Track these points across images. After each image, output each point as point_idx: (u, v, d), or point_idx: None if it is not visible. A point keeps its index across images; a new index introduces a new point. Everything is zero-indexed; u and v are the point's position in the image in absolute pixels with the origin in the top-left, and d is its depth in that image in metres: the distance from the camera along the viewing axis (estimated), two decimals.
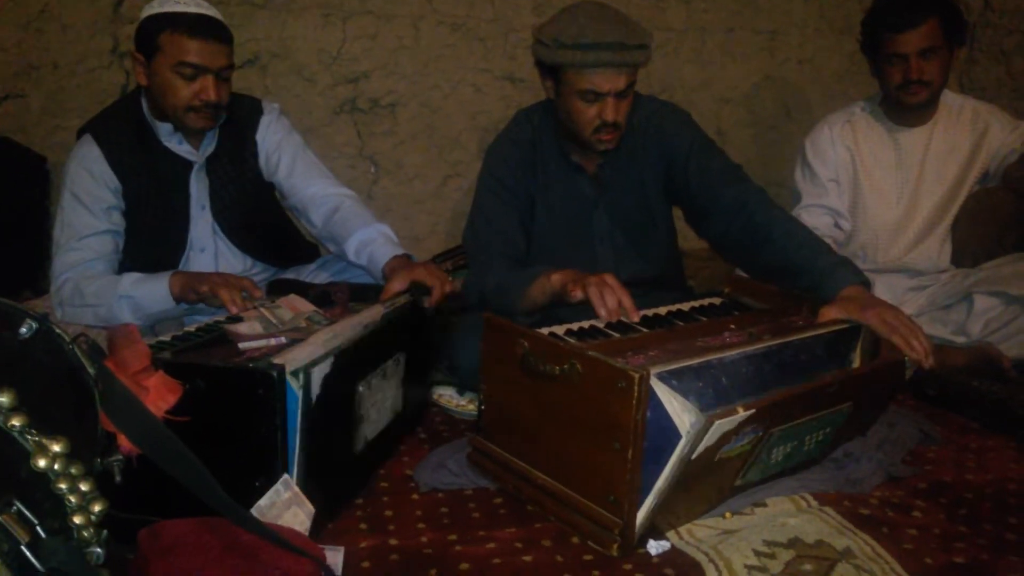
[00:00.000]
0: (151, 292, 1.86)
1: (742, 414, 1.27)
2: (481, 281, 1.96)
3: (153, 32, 1.87)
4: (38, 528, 0.86)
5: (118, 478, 1.10)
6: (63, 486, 0.90)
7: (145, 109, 2.00)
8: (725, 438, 1.28)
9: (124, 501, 1.24)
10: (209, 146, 2.05)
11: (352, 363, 1.48)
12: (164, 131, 1.99)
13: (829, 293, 1.71)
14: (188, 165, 2.03)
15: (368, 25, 2.81)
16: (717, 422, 1.24)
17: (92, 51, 2.57)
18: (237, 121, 2.08)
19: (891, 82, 2.33)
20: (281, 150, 2.12)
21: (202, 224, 2.08)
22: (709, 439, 1.25)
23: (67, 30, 2.53)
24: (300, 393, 1.31)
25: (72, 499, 0.90)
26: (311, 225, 2.13)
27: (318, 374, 1.35)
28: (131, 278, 1.90)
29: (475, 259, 2.07)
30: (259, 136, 2.12)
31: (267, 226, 2.21)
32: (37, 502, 0.87)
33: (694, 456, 1.26)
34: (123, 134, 1.99)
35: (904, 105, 2.35)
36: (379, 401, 1.62)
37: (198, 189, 2.06)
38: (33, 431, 0.89)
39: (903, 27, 2.25)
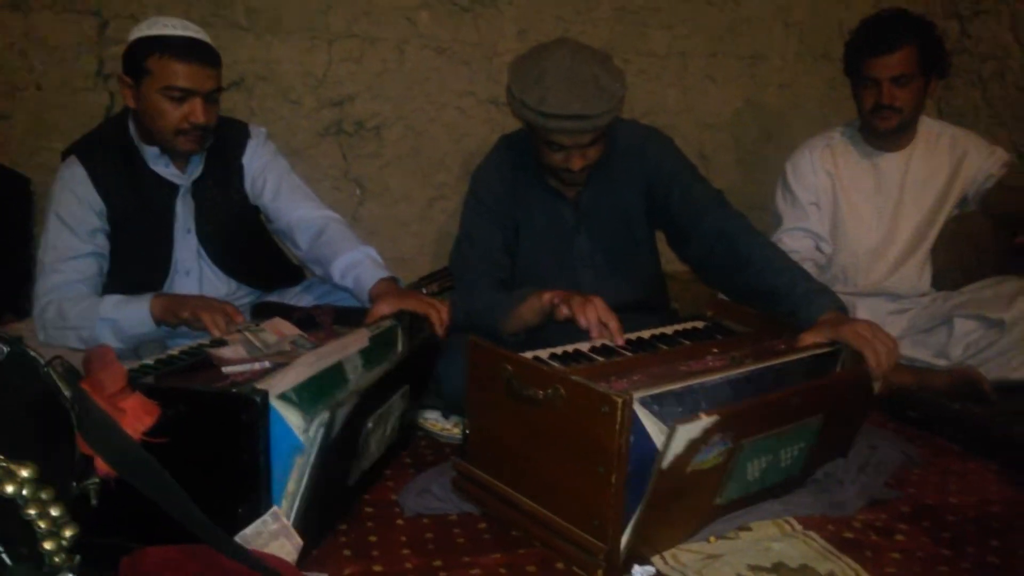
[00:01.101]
0: (132, 315, 1.85)
1: (705, 420, 1.27)
2: (467, 303, 1.96)
3: (141, 55, 1.87)
4: (3, 556, 0.85)
5: (94, 501, 1.09)
6: (32, 511, 0.89)
7: (132, 131, 1.99)
8: (693, 447, 1.28)
9: (104, 526, 1.24)
10: (195, 170, 2.04)
11: (371, 400, 1.49)
12: (151, 154, 1.99)
13: (807, 319, 1.73)
14: (174, 188, 2.03)
15: (353, 48, 2.82)
16: (680, 427, 1.24)
17: (77, 72, 2.56)
18: (224, 144, 2.07)
19: (864, 105, 2.36)
20: (267, 173, 2.12)
21: (187, 247, 2.07)
22: (676, 446, 1.26)
23: (51, 51, 2.53)
24: (322, 431, 1.32)
25: (42, 524, 0.89)
26: (296, 248, 2.13)
27: (342, 414, 1.35)
28: (112, 300, 1.89)
29: (461, 281, 2.08)
30: (245, 160, 2.11)
31: (252, 249, 2.20)
32: (4, 529, 0.86)
33: (665, 466, 1.26)
34: (109, 156, 1.98)
35: (875, 130, 2.38)
36: (380, 434, 1.62)
37: (184, 212, 2.05)
38: (0, 457, 0.88)
39: (879, 51, 2.28)
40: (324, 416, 1.32)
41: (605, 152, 2.02)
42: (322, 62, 2.79)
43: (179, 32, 1.88)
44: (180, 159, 2.00)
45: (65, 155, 2.01)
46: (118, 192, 1.97)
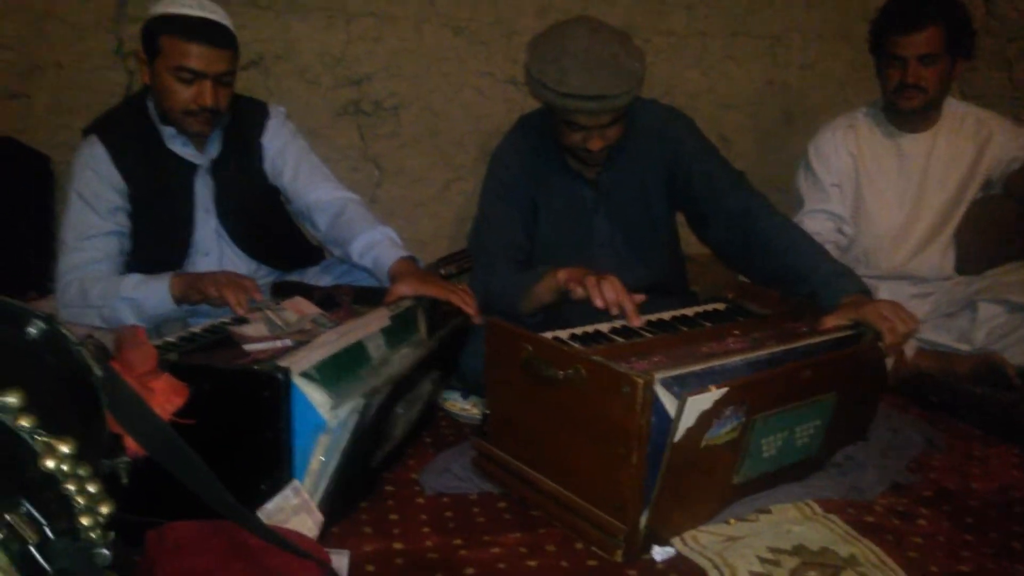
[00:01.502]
0: (152, 294, 1.86)
1: (715, 392, 1.27)
2: (486, 283, 1.96)
3: (155, 33, 1.86)
4: (46, 529, 0.85)
5: (125, 480, 1.10)
6: (71, 487, 0.89)
7: (151, 110, 1.99)
8: (705, 420, 1.28)
9: (131, 503, 1.25)
10: (214, 149, 2.04)
11: (405, 386, 1.50)
12: (168, 134, 1.98)
13: (829, 301, 1.71)
14: (193, 168, 2.02)
15: (371, 27, 2.81)
16: (690, 399, 1.24)
17: (96, 51, 2.56)
18: (243, 124, 2.06)
19: (889, 84, 2.33)
20: (286, 154, 2.11)
21: (206, 228, 2.07)
22: (687, 419, 1.25)
23: (71, 30, 2.53)
24: (356, 417, 1.33)
25: (80, 500, 0.90)
26: (315, 229, 2.13)
27: (376, 401, 1.36)
28: (133, 280, 1.89)
29: (480, 262, 2.08)
30: (265, 140, 2.10)
31: (272, 229, 2.20)
32: (45, 503, 0.86)
33: (677, 439, 1.26)
34: (129, 135, 1.98)
35: (898, 109, 2.36)
36: (407, 418, 1.63)
37: (203, 192, 2.05)
38: (41, 432, 0.88)
39: (906, 30, 2.25)
40: (360, 402, 1.33)
41: (625, 132, 2.00)
42: (340, 41, 2.78)
43: (195, 12, 1.86)
44: (197, 139, 2.00)
45: (85, 133, 2.01)
46: (138, 171, 1.97)
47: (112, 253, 1.95)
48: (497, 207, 2.07)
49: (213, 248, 2.08)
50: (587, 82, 1.82)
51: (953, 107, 2.46)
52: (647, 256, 2.14)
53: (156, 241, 2.01)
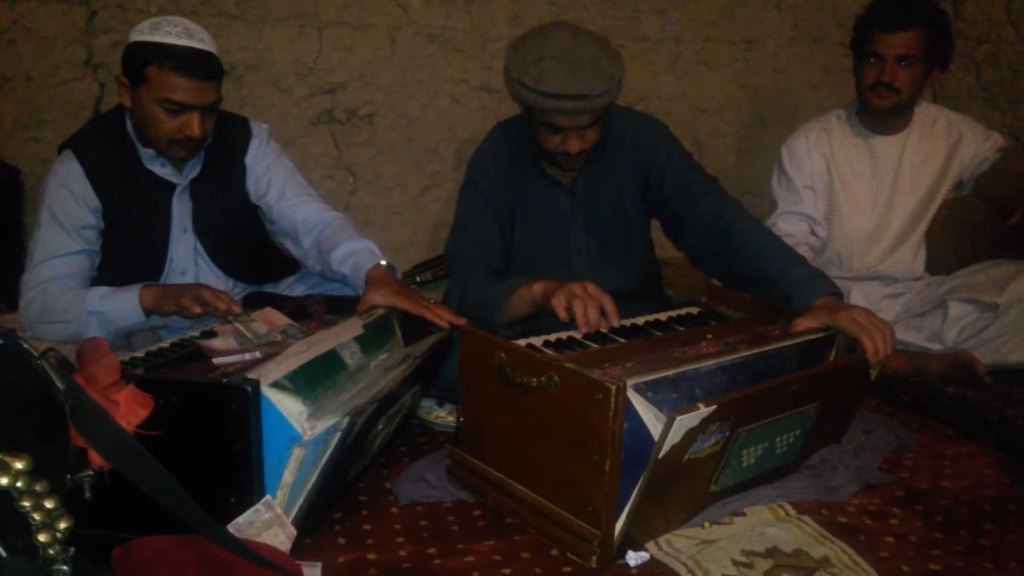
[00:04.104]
0: (120, 306, 1.83)
1: (703, 410, 1.27)
2: (461, 292, 1.96)
3: (140, 61, 1.82)
4: None
5: (88, 494, 1.09)
6: (26, 504, 0.88)
7: (129, 128, 1.96)
8: (690, 436, 1.28)
9: (98, 518, 1.24)
10: (193, 169, 2.01)
11: (388, 403, 1.49)
12: (146, 154, 1.96)
13: (801, 304, 1.73)
14: (171, 187, 2.00)
15: (344, 36, 2.80)
16: (678, 418, 1.24)
17: (65, 62, 2.54)
18: (224, 143, 2.03)
19: (864, 80, 2.36)
20: (271, 175, 2.09)
21: (184, 246, 2.04)
22: (673, 436, 1.26)
23: (40, 42, 2.51)
24: (339, 436, 1.32)
25: (36, 517, 0.89)
26: (297, 247, 2.10)
27: (360, 417, 1.35)
28: (99, 292, 1.86)
29: (456, 269, 2.07)
30: (248, 159, 2.08)
31: (250, 246, 2.17)
32: None
33: (661, 455, 1.26)
34: (105, 152, 1.94)
35: (870, 108, 2.38)
36: (386, 432, 1.62)
37: (181, 212, 2.02)
38: None
39: (889, 28, 2.28)
40: (343, 421, 1.32)
41: (601, 139, 2.01)
42: (313, 50, 2.77)
43: (182, 42, 1.82)
44: (176, 160, 1.97)
45: (61, 149, 1.98)
46: (113, 189, 1.94)
47: (78, 272, 1.92)
48: (474, 214, 2.07)
49: (190, 267, 2.06)
50: (567, 82, 1.83)
51: (924, 110, 2.49)
52: (623, 262, 2.14)
53: (131, 260, 1.98)
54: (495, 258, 2.03)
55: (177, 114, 1.84)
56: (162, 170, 1.98)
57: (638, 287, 2.16)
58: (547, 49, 1.87)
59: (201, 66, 1.84)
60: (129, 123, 1.96)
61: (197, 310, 1.72)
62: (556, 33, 1.92)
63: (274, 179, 2.09)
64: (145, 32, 1.84)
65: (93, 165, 1.92)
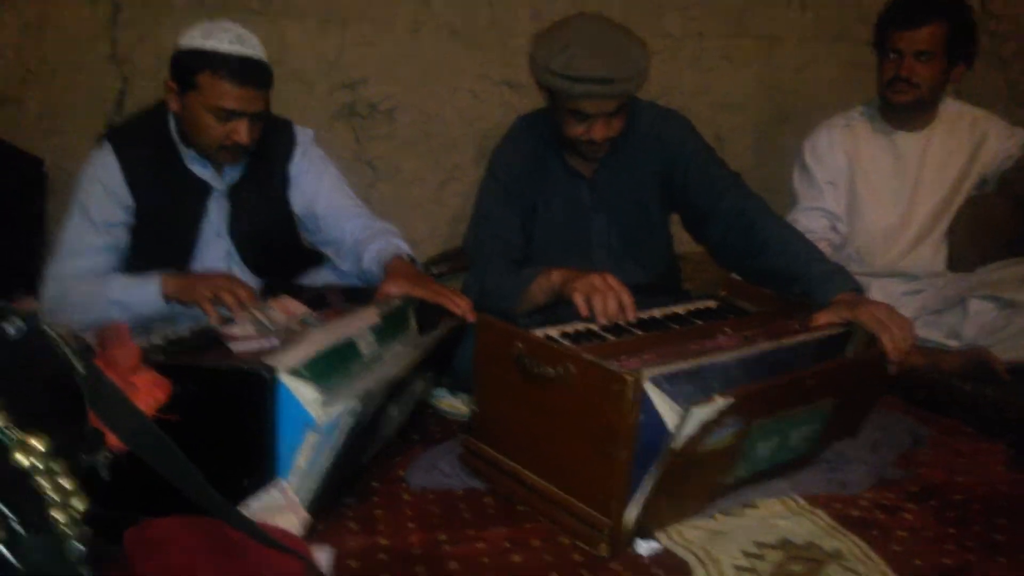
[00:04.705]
0: (141, 294, 1.84)
1: (720, 402, 1.27)
2: (481, 283, 1.97)
3: (192, 68, 1.81)
4: (16, 525, 0.86)
5: (105, 475, 1.11)
6: (44, 482, 0.90)
7: (172, 127, 1.95)
8: (706, 429, 1.28)
9: (113, 499, 1.25)
10: (235, 173, 2.01)
11: (398, 389, 1.51)
12: (188, 155, 1.96)
13: (822, 300, 1.73)
14: (209, 189, 1.99)
15: (366, 31, 2.83)
16: (694, 410, 1.24)
17: (90, 57, 2.58)
18: (267, 149, 2.01)
19: (884, 77, 2.36)
20: (319, 185, 2.08)
21: (216, 249, 2.04)
22: (689, 428, 1.26)
23: (65, 35, 2.55)
24: (351, 420, 1.33)
25: (53, 496, 0.90)
26: (339, 257, 2.10)
27: (371, 402, 1.36)
28: (119, 281, 1.88)
29: (475, 261, 2.08)
30: (292, 168, 2.07)
31: (284, 248, 2.16)
32: (16, 499, 0.87)
33: (677, 447, 1.26)
34: (145, 149, 1.94)
35: (890, 103, 2.37)
36: (398, 417, 1.63)
37: (217, 215, 2.02)
38: (14, 428, 0.89)
39: (907, 24, 2.28)
40: (355, 405, 1.33)
41: (624, 132, 2.01)
42: (335, 45, 2.79)
43: (235, 49, 1.81)
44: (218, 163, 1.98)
45: (100, 140, 1.98)
46: (149, 187, 1.93)
47: (102, 269, 1.93)
48: (495, 207, 2.08)
49: (221, 269, 2.04)
50: (594, 65, 1.84)
51: (949, 106, 2.48)
52: (643, 255, 2.15)
53: (159, 259, 1.95)
54: (515, 250, 2.04)
55: (227, 121, 1.84)
56: (203, 172, 1.97)
57: (657, 280, 2.16)
58: (574, 36, 1.89)
59: (254, 74, 1.84)
60: (172, 122, 1.95)
61: (214, 316, 1.71)
62: (583, 21, 1.94)
63: (321, 191, 2.08)
64: (197, 38, 1.83)
65: (131, 161, 1.92)
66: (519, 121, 2.20)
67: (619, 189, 2.11)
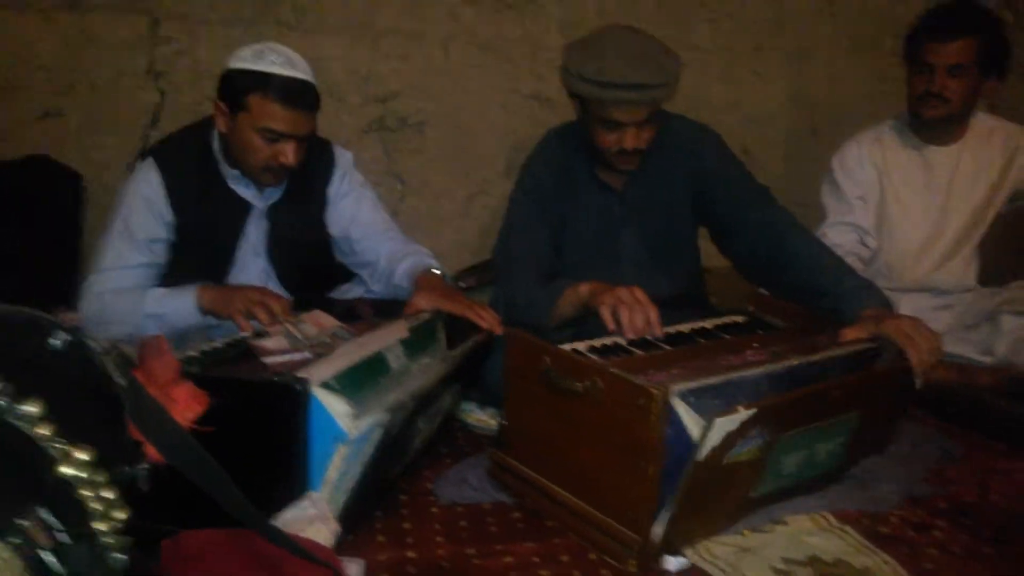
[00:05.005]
0: (178, 308, 1.88)
1: (743, 413, 1.27)
2: (511, 296, 1.98)
3: (243, 89, 1.83)
4: (61, 534, 0.88)
5: (144, 487, 1.13)
6: (87, 493, 0.92)
7: (215, 146, 1.98)
8: (730, 440, 1.29)
9: (150, 510, 1.28)
10: (275, 193, 2.03)
11: (427, 402, 1.53)
12: (231, 174, 1.98)
13: (850, 315, 1.72)
14: (248, 208, 2.02)
15: (398, 46, 2.86)
16: (717, 420, 1.24)
17: (128, 71, 2.63)
18: (307, 170, 2.03)
19: (915, 91, 2.34)
20: (356, 209, 2.10)
21: (254, 267, 2.07)
22: (713, 439, 1.26)
23: (105, 50, 2.60)
24: (381, 432, 1.35)
25: (96, 506, 0.92)
26: (372, 279, 2.12)
27: (400, 416, 1.38)
28: (156, 294, 1.91)
29: (505, 274, 2.09)
30: (331, 191, 2.10)
31: (319, 267, 2.19)
32: (61, 509, 0.89)
33: (701, 458, 1.27)
34: (188, 166, 1.97)
35: (920, 118, 2.35)
36: (427, 431, 1.65)
37: (256, 234, 2.04)
38: (60, 439, 0.91)
39: (939, 38, 2.26)
40: (384, 417, 1.35)
41: (654, 145, 2.02)
42: (367, 59, 2.82)
43: (286, 72, 1.83)
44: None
45: (143, 156, 2.01)
46: (190, 205, 1.96)
47: (141, 285, 1.95)
48: (525, 219, 2.09)
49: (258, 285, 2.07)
50: (627, 72, 1.85)
51: (981, 120, 2.45)
52: (671, 269, 2.15)
53: (197, 276, 1.97)
54: (545, 263, 2.05)
55: (275, 143, 1.86)
56: (244, 191, 2.00)
57: (684, 294, 2.16)
58: (608, 44, 1.91)
59: (304, 97, 1.87)
60: (216, 140, 1.98)
61: (248, 330, 1.73)
62: (615, 31, 1.97)
63: (359, 215, 2.10)
64: (248, 60, 1.85)
65: (174, 177, 1.95)
66: (550, 134, 2.21)
67: (649, 202, 2.11)
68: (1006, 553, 1.43)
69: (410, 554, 1.39)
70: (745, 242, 1.99)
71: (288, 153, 1.87)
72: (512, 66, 2.97)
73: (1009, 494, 1.64)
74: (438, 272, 1.96)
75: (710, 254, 2.26)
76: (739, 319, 1.92)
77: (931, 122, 2.35)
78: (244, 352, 1.55)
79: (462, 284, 2.39)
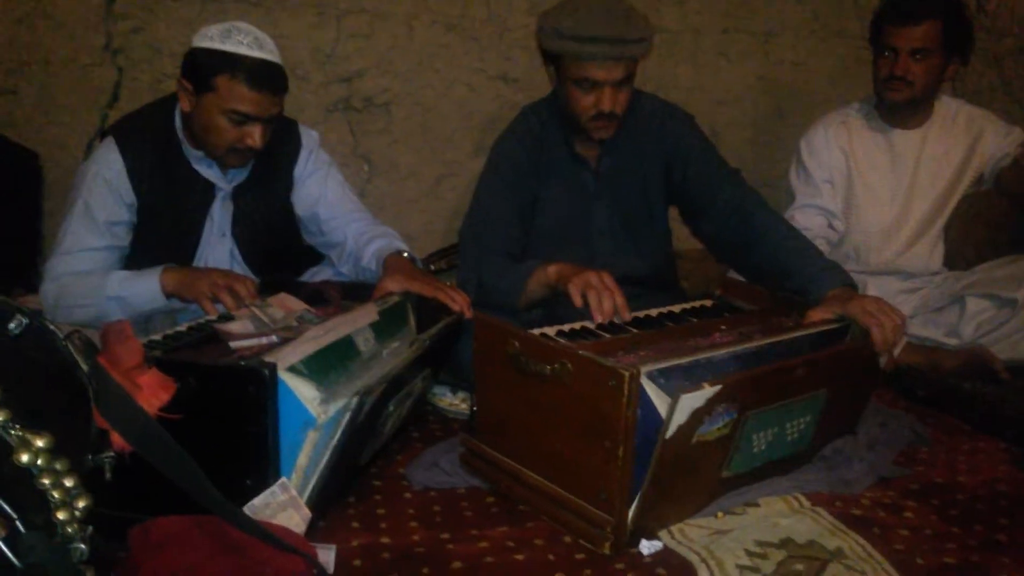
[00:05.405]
0: (141, 291, 1.83)
1: (708, 390, 1.28)
2: (477, 276, 1.97)
3: (210, 70, 1.79)
4: (17, 523, 0.85)
5: (109, 475, 1.10)
6: (46, 481, 0.89)
7: (178, 126, 1.93)
8: (697, 417, 1.29)
9: (117, 498, 1.25)
10: (239, 175, 1.99)
11: (397, 385, 1.50)
12: (194, 155, 1.94)
13: (816, 295, 1.74)
14: (213, 190, 1.98)
15: (362, 24, 2.80)
16: (683, 396, 1.25)
17: (84, 48, 2.55)
18: (273, 150, 1.99)
19: (879, 75, 2.35)
20: (323, 190, 2.07)
21: (220, 250, 2.02)
22: (679, 416, 1.26)
23: (59, 27, 2.52)
24: (348, 415, 1.32)
25: (55, 495, 0.90)
26: (340, 260, 2.09)
27: (370, 400, 1.36)
28: (119, 277, 1.86)
29: (470, 253, 2.07)
30: (297, 171, 2.06)
31: (286, 248, 2.15)
32: (18, 497, 0.86)
33: (668, 436, 1.27)
34: (150, 147, 1.92)
35: (885, 101, 2.37)
36: (398, 415, 1.62)
37: (221, 215, 2.00)
38: (16, 426, 0.88)
39: (903, 21, 2.27)
40: (352, 401, 1.33)
41: (627, 121, 2.02)
42: (330, 38, 2.77)
43: (254, 53, 1.79)
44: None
45: (104, 135, 1.96)
46: (153, 186, 1.91)
47: (102, 268, 1.90)
48: (495, 199, 2.08)
49: (224, 268, 2.01)
50: (605, 26, 1.86)
51: (945, 104, 2.47)
52: (642, 245, 2.15)
53: (161, 258, 1.92)
54: (513, 243, 2.04)
55: (241, 125, 1.82)
56: (208, 172, 1.96)
57: (655, 273, 2.17)
58: (581, 2, 1.92)
59: (272, 79, 1.83)
60: (179, 120, 1.93)
61: (214, 314, 1.70)
62: None
63: (325, 195, 2.07)
64: (215, 39, 1.80)
65: (135, 158, 1.90)
66: (525, 109, 2.20)
67: (622, 177, 2.11)
68: (972, 533, 1.44)
69: (384, 539, 1.37)
70: (715, 221, 2.00)
71: (255, 135, 1.84)
72: (478, 46, 2.93)
73: (975, 475, 1.67)
74: (407, 255, 1.93)
75: (681, 237, 2.26)
76: (707, 303, 1.93)
77: (896, 105, 2.37)
78: (210, 336, 1.52)
79: (432, 267, 2.36)
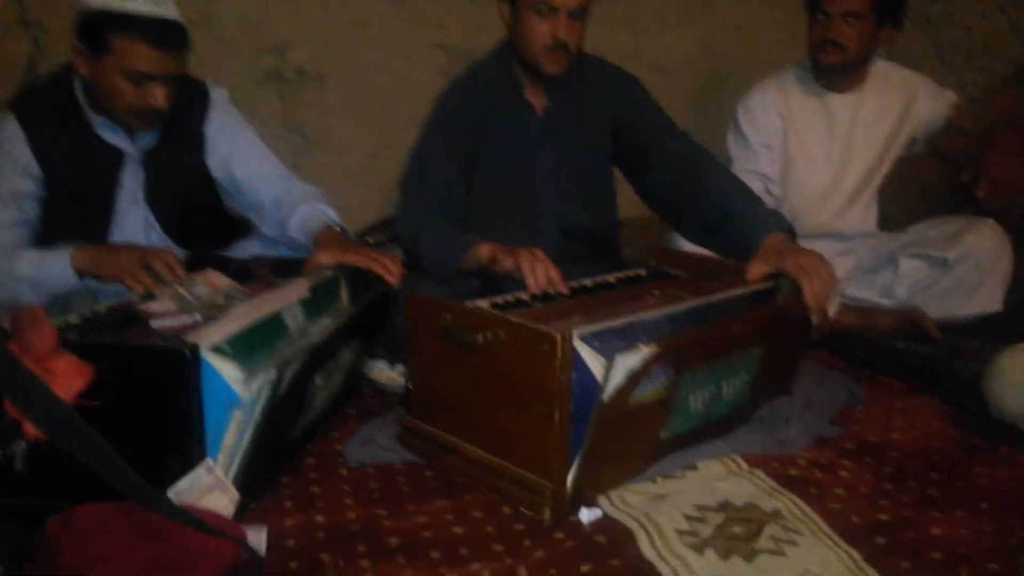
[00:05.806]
0: (51, 270, 1.76)
1: (644, 350, 1.28)
2: (415, 238, 1.94)
3: (103, 30, 1.72)
4: None
5: (19, 466, 1.06)
6: None
7: (79, 93, 1.86)
8: (634, 379, 1.28)
9: (33, 488, 1.20)
10: (148, 139, 1.92)
11: (321, 357, 1.46)
12: (97, 121, 1.87)
13: (754, 240, 1.75)
14: (122, 156, 1.91)
15: None
16: (619, 357, 1.24)
17: None
18: (181, 111, 1.92)
19: (813, 38, 2.36)
20: (236, 147, 2.00)
21: (133, 218, 1.95)
22: (616, 377, 1.26)
23: None
24: (268, 389, 1.28)
25: None
26: (261, 220, 2.04)
27: (290, 372, 1.32)
28: (28, 257, 1.79)
29: (409, 210, 2.04)
30: (207, 130, 1.99)
31: (205, 215, 2.08)
32: None
33: (606, 399, 1.26)
34: (50, 117, 1.85)
35: (820, 65, 2.38)
36: (327, 389, 1.59)
37: (132, 182, 1.93)
38: None
39: None
40: (271, 374, 1.29)
41: (575, 74, 2.02)
42: (259, 6, 2.69)
43: (148, 10, 1.72)
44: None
45: (4, 109, 1.88)
46: (58, 157, 1.84)
47: (11, 244, 1.83)
48: (436, 158, 2.04)
49: (140, 238, 1.96)
50: None
51: (879, 68, 2.48)
52: (588, 200, 2.14)
53: (75, 231, 1.85)
54: (452, 200, 2.02)
55: (142, 85, 1.76)
56: (113, 138, 1.89)
57: (597, 229, 2.16)
58: None
59: (171, 36, 1.76)
60: (79, 87, 1.86)
61: (140, 291, 1.64)
62: None
63: (238, 152, 2.00)
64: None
65: (36, 130, 1.83)
66: (470, 65, 2.16)
67: (569, 128, 2.09)
68: (906, 489, 1.46)
69: (319, 518, 1.35)
70: (663, 173, 2.01)
71: (157, 95, 1.78)
72: (413, 14, 2.88)
73: (908, 432, 1.69)
74: (337, 227, 1.88)
75: (623, 205, 2.24)
76: (641, 272, 1.93)
77: (829, 69, 2.37)
78: (131, 316, 1.46)
79: (370, 239, 2.32)
